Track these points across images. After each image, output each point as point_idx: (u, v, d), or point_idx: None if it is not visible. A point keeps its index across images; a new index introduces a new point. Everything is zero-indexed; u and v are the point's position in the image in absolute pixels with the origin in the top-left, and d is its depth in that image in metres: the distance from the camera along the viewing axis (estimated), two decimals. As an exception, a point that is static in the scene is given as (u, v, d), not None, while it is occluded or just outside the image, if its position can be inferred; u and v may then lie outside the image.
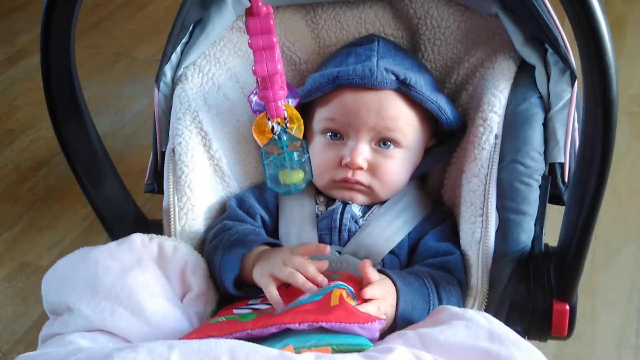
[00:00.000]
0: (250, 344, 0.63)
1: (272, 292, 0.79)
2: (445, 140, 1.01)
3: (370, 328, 0.70)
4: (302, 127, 0.81)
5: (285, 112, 0.75)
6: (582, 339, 1.16)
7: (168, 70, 0.99)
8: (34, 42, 2.25)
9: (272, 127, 0.75)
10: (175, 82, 1.00)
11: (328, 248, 0.83)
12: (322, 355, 0.62)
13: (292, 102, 0.83)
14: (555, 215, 0.89)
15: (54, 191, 1.67)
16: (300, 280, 0.79)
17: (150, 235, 0.88)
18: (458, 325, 0.70)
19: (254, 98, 0.82)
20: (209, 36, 1.00)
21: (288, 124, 0.76)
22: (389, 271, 0.84)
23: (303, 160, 0.77)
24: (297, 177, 0.78)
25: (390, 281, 0.82)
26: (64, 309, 0.80)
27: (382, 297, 0.78)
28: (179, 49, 0.99)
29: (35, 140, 1.85)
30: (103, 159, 0.87)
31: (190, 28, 1.00)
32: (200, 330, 0.76)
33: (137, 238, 0.86)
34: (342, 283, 0.80)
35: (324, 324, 0.71)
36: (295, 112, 0.81)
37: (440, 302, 0.83)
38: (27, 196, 1.66)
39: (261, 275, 0.82)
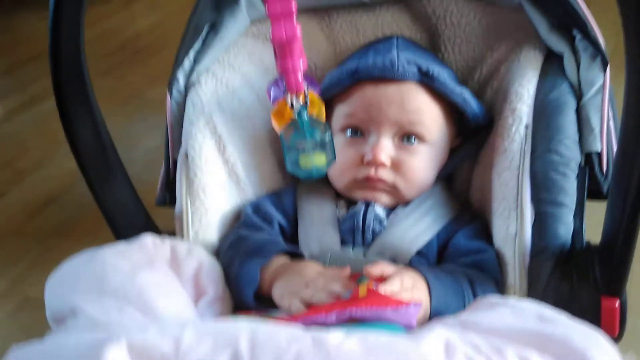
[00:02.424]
0: (272, 324, 0.57)
1: (298, 306, 0.73)
2: (471, 140, 0.96)
3: (405, 313, 0.64)
4: (324, 112, 0.76)
5: (305, 86, 0.70)
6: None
7: (181, 76, 0.96)
8: (46, 90, 2.26)
9: (292, 104, 0.70)
10: (188, 88, 0.97)
11: (348, 270, 0.77)
12: (353, 332, 0.55)
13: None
14: (591, 213, 0.84)
15: (63, 227, 1.63)
16: (325, 298, 0.73)
17: (162, 237, 0.83)
18: (502, 311, 0.63)
19: (273, 89, 0.79)
20: (223, 40, 0.97)
21: (308, 103, 0.71)
22: (418, 266, 0.77)
23: (325, 139, 0.72)
24: (319, 159, 0.73)
25: (415, 271, 0.75)
26: (67, 313, 0.73)
27: (411, 285, 0.71)
28: (192, 55, 0.96)
29: (45, 178, 1.82)
30: (113, 158, 0.83)
31: (204, 34, 0.97)
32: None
33: (149, 239, 0.81)
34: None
35: (354, 312, 0.64)
36: (316, 97, 0.77)
37: None
38: (35, 232, 1.61)
39: (282, 297, 0.76)
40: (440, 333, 0.56)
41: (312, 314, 0.66)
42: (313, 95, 0.74)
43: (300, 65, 0.68)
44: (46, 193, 1.75)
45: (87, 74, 0.80)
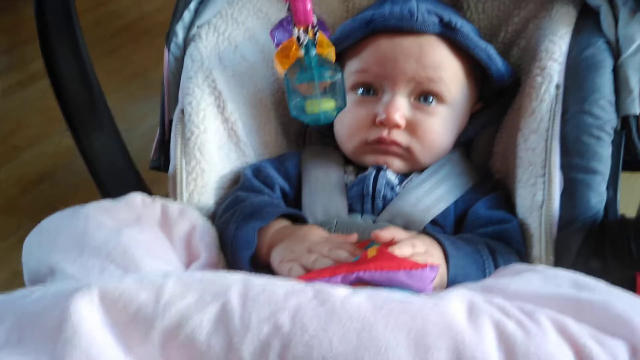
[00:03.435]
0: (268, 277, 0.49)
1: (298, 272, 0.65)
2: (493, 105, 0.88)
3: (420, 276, 0.56)
4: (334, 55, 0.69)
5: (315, 18, 0.62)
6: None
7: (180, 29, 0.89)
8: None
9: (298, 38, 0.62)
10: (187, 42, 0.89)
11: (356, 237, 0.70)
12: (360, 289, 0.47)
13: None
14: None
15: (55, 204, 1.54)
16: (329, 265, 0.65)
17: (153, 196, 0.75)
18: (531, 276, 0.55)
19: (277, 32, 0.71)
20: (226, -9, 0.90)
21: (317, 37, 0.63)
22: (434, 233, 0.70)
23: (335, 78, 0.64)
24: (327, 105, 0.65)
25: (430, 238, 0.68)
26: (45, 274, 0.66)
27: (424, 251, 0.64)
28: (192, 6, 0.89)
29: (39, 155, 1.77)
30: (100, 105, 0.76)
31: None
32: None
33: (138, 197, 0.73)
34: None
35: (361, 274, 0.56)
36: (326, 38, 0.69)
37: None
38: (27, 208, 1.56)
39: (281, 262, 0.68)
40: (461, 293, 0.48)
41: (313, 277, 0.59)
42: (323, 36, 0.66)
43: (310, -8, 0.60)
44: (40, 170, 1.69)
45: (74, 10, 0.73)
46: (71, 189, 1.60)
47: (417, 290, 0.56)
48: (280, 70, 0.67)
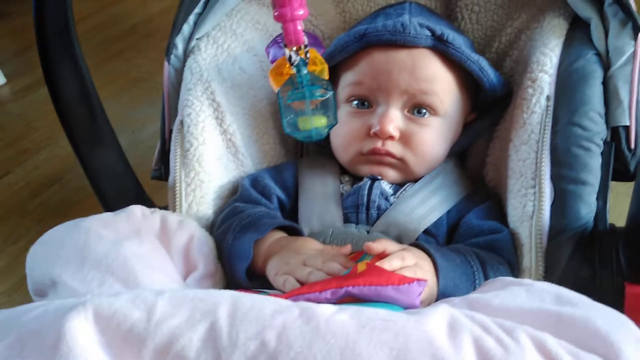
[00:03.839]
0: (256, 294, 0.51)
1: (293, 284, 0.67)
2: (487, 115, 0.89)
3: (408, 290, 0.58)
4: (327, 72, 0.70)
5: (305, 39, 0.64)
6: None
7: (179, 42, 0.91)
8: (55, 71, 2.23)
9: (290, 57, 0.63)
10: (186, 54, 0.91)
11: (349, 248, 0.72)
12: (346, 306, 0.49)
13: (316, 54, 0.72)
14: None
15: (64, 206, 1.59)
16: (322, 278, 0.66)
17: (152, 208, 0.77)
18: (517, 290, 0.57)
19: (272, 49, 0.73)
20: (226, 4, 0.92)
21: (309, 56, 0.65)
22: (425, 244, 0.71)
23: (326, 96, 0.65)
24: (319, 122, 0.67)
25: (421, 251, 0.69)
26: (48, 285, 0.68)
27: (413, 263, 0.65)
28: (191, 19, 0.90)
29: (49, 158, 1.79)
30: (101, 120, 0.78)
31: None
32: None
33: (137, 209, 0.75)
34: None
35: (350, 289, 0.58)
36: (319, 56, 0.70)
37: None
38: (36, 211, 1.59)
39: (276, 274, 0.70)
40: (444, 310, 0.50)
41: (304, 291, 0.60)
42: (315, 53, 0.68)
43: (300, 14, 0.61)
44: (49, 173, 1.71)
45: (73, 27, 0.75)
46: (80, 192, 1.62)
47: (405, 304, 0.58)
48: (275, 87, 0.69)
